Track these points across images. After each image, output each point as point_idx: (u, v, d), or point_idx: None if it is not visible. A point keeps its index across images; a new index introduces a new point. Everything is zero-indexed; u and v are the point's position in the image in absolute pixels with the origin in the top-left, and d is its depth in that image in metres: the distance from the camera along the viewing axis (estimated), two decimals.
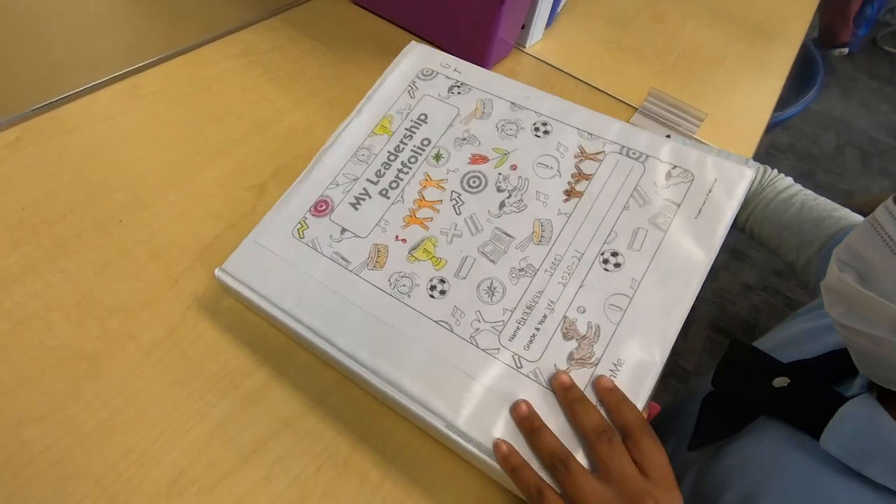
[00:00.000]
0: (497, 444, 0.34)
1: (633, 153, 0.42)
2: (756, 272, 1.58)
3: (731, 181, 0.40)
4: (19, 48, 0.58)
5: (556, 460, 0.32)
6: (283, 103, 0.59)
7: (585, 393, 0.34)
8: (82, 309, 0.41)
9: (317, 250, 0.41)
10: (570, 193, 0.41)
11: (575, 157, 0.43)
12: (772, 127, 0.96)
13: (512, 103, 0.46)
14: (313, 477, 0.36)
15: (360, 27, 0.72)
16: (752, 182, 0.40)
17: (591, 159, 0.43)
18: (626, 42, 0.81)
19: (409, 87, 0.48)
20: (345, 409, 0.39)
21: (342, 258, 0.41)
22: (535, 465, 0.33)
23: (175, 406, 0.38)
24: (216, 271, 0.42)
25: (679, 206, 0.40)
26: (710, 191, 0.40)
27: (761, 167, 0.56)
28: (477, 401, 0.35)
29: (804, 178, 1.95)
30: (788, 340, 0.46)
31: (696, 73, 0.78)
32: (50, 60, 0.58)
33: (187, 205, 0.48)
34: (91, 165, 0.49)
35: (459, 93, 0.47)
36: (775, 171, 0.56)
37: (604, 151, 0.43)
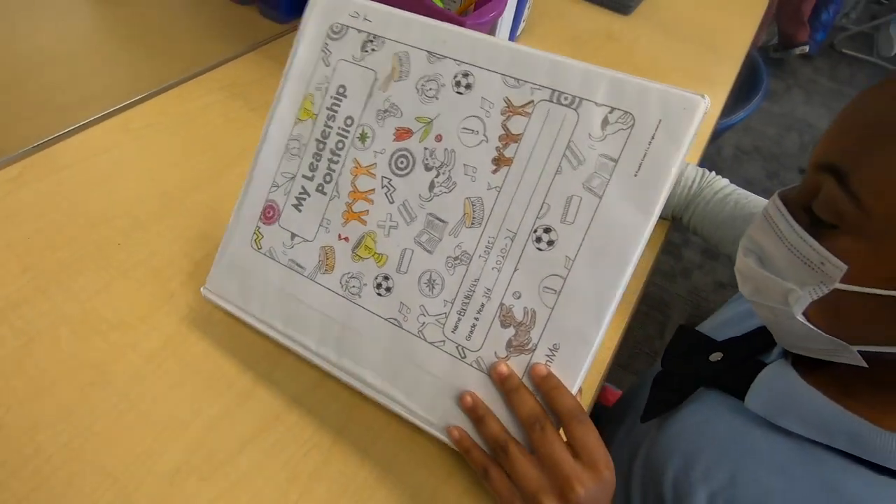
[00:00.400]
0: (449, 430, 0.38)
1: (565, 98, 0.36)
2: (728, 269, 1.65)
3: (677, 121, 0.34)
4: (17, 91, 0.63)
5: (497, 446, 0.37)
6: None
7: (525, 379, 0.38)
8: (87, 324, 0.45)
9: (274, 259, 0.44)
10: (498, 162, 0.38)
11: (501, 113, 0.38)
12: (720, 132, 1.03)
13: (429, 53, 0.41)
14: (301, 461, 0.41)
15: None
16: (706, 112, 0.34)
17: (520, 114, 0.38)
18: (582, 60, 0.87)
19: (322, 54, 0.43)
20: (327, 402, 0.44)
21: (297, 265, 0.43)
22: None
23: (174, 406, 0.42)
24: (202, 290, 0.46)
25: (616, 161, 0.35)
26: (652, 138, 0.34)
27: (700, 170, 0.62)
28: (431, 390, 0.39)
29: (770, 178, 2.03)
30: (725, 322, 0.51)
31: None
32: (46, 101, 0.62)
33: (180, 228, 0.53)
34: (89, 195, 0.54)
35: (374, 49, 0.42)
36: (713, 173, 0.62)
37: (532, 101, 0.37)
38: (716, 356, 0.46)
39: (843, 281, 0.32)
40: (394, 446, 0.42)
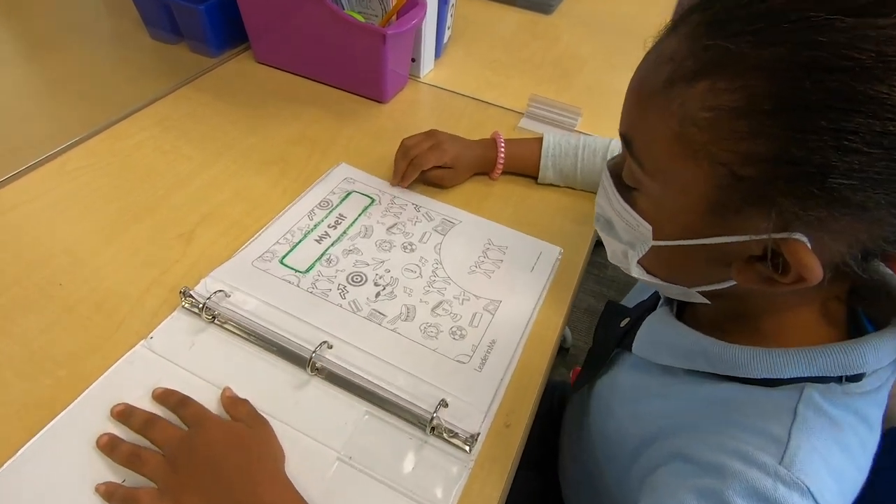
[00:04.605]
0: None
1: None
2: None
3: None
4: None
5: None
6: (203, 158, 0.65)
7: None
8: (33, 364, 0.45)
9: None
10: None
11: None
12: None
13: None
14: None
15: (266, 83, 0.79)
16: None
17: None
18: (508, 60, 0.91)
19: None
20: None
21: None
22: None
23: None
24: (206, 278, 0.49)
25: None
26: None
27: (610, 141, 0.65)
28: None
29: None
30: (638, 290, 0.55)
31: (571, 77, 0.89)
32: None
33: (122, 259, 0.53)
34: (27, 239, 0.54)
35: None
36: None
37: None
38: (624, 321, 0.49)
39: (654, 238, 0.34)
40: None
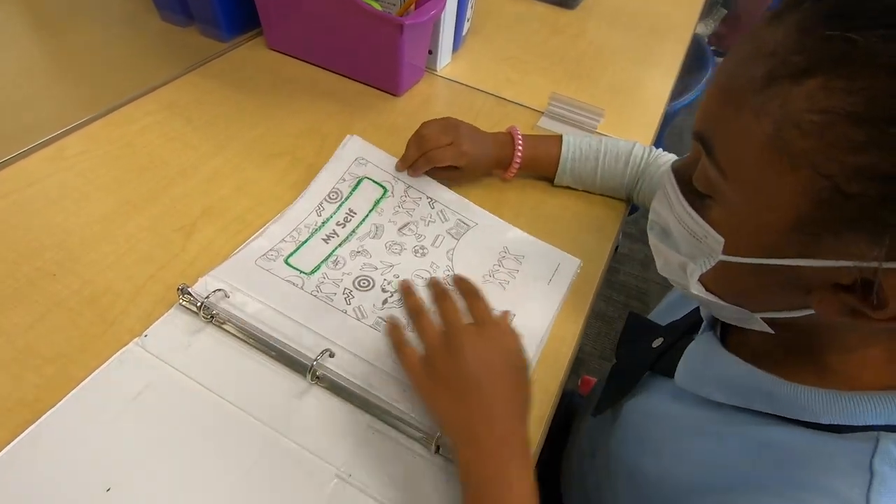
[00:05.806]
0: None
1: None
2: None
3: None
4: None
5: (413, 312, 0.46)
6: (207, 148, 0.63)
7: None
8: (20, 362, 0.43)
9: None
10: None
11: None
12: (674, 115, 1.04)
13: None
14: None
15: (278, 71, 0.76)
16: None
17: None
18: (528, 55, 0.88)
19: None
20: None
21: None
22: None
23: None
24: (205, 277, 0.49)
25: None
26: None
27: (647, 148, 0.62)
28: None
29: None
30: (670, 305, 0.51)
31: (594, 75, 0.85)
32: None
33: (118, 252, 0.51)
34: (21, 228, 0.52)
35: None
36: (659, 150, 0.62)
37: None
38: (657, 341, 0.45)
39: (725, 252, 0.31)
40: None
